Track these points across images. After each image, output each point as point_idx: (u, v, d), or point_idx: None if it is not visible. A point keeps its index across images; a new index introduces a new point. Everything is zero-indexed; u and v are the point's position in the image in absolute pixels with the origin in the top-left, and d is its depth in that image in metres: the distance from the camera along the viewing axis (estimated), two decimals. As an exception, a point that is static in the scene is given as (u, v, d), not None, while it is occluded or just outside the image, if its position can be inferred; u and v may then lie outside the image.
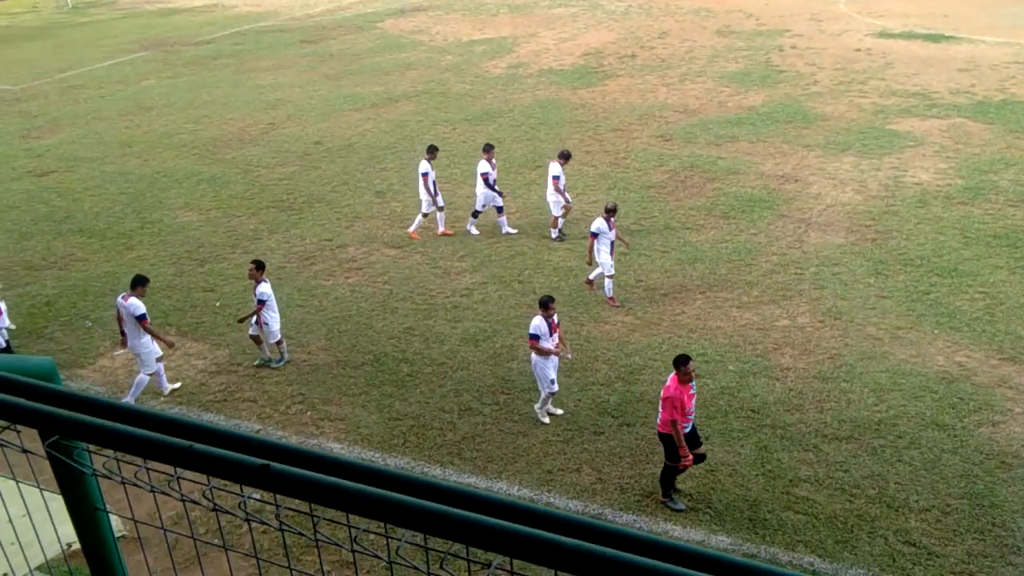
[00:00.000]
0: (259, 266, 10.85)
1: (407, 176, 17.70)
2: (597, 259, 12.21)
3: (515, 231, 14.70)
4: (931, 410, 9.44)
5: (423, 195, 14.54)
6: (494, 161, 14.71)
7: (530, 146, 19.20)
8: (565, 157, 14.36)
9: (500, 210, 14.66)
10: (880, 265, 12.80)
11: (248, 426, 9.75)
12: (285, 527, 1.55)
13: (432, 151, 14.79)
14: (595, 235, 12.03)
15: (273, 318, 10.86)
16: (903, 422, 9.25)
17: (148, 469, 1.61)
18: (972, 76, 22.08)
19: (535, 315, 9.57)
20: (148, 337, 10.17)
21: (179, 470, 1.46)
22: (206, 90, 25.82)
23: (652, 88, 23.24)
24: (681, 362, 8.03)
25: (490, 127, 20.70)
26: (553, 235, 14.43)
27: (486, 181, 14.39)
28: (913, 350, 10.58)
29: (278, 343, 11.02)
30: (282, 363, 11.07)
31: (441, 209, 14.74)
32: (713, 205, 15.39)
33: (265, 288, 10.75)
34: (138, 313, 9.98)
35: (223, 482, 1.44)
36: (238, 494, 1.52)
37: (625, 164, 17.80)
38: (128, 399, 10.01)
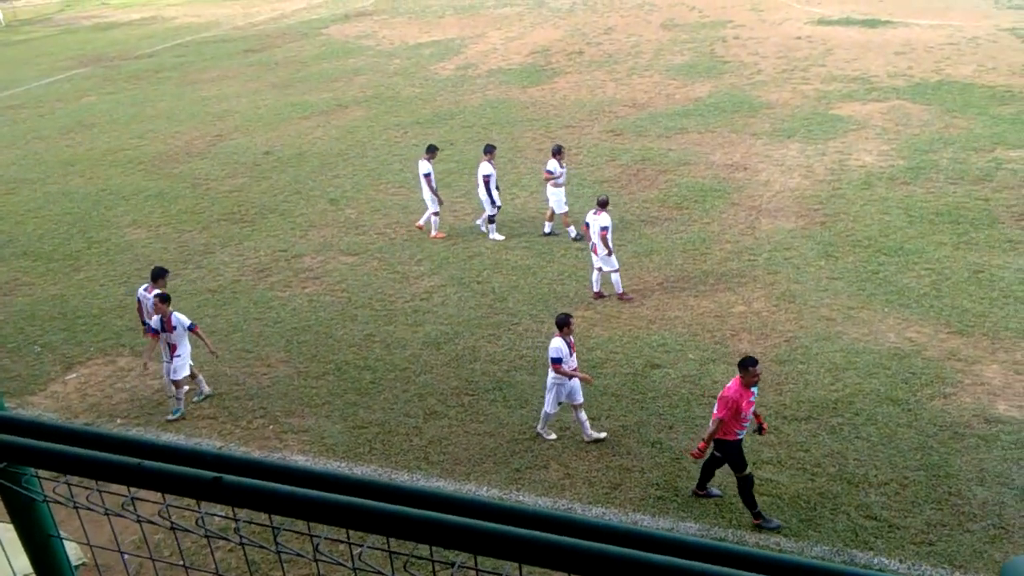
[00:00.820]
0: (164, 298, 9.87)
1: (360, 182, 17.58)
2: (603, 254, 11.95)
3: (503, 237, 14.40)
4: (885, 386, 9.68)
5: (427, 195, 14.36)
6: (494, 163, 14.36)
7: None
8: (557, 152, 14.03)
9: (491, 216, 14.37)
10: (830, 247, 13.09)
11: (209, 444, 9.58)
12: (246, 541, 1.53)
13: (432, 151, 14.65)
14: (606, 229, 11.82)
15: (185, 352, 9.99)
16: (859, 399, 9.48)
17: (102, 492, 1.58)
18: (909, 59, 22.72)
19: (553, 337, 9.00)
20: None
21: (134, 490, 1.44)
22: (149, 104, 25.30)
23: (600, 84, 23.45)
24: (749, 363, 7.55)
25: (442, 129, 20.67)
26: (572, 234, 14.08)
27: (487, 184, 14.04)
28: (865, 329, 10.84)
29: (178, 384, 10.03)
30: (178, 414, 10.09)
31: (436, 213, 14.52)
32: (666, 196, 15.58)
33: (182, 316, 9.97)
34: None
35: (184, 501, 1.42)
36: (199, 512, 1.50)
37: (578, 160, 17.91)
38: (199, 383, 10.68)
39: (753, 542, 7.70)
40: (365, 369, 10.92)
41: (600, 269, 12.20)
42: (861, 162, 16.28)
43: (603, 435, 9.26)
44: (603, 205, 12.05)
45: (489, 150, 14.38)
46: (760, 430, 8.18)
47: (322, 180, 17.93)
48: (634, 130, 19.35)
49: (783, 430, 9.14)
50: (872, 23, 27.09)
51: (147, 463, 1.29)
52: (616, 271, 12.12)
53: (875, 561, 7.35)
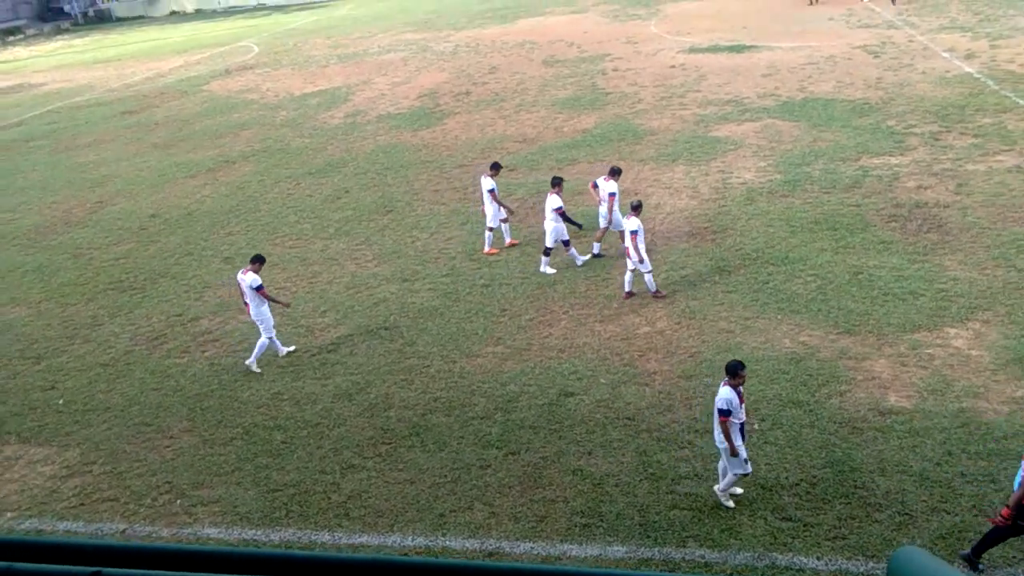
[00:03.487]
0: None
1: (255, 238, 17.16)
2: (641, 255, 12.38)
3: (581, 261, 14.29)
4: (786, 390, 10.10)
5: (489, 210, 14.94)
6: (561, 194, 14.24)
7: (378, 192, 19.14)
8: (616, 173, 14.12)
9: (567, 244, 14.15)
10: (722, 263, 13.65)
11: (112, 527, 9.00)
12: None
13: (496, 168, 15.29)
14: (635, 233, 12.22)
15: None
16: (763, 405, 9.85)
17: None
18: (775, 80, 24.17)
19: (722, 386, 8.07)
20: (267, 306, 11.95)
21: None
22: (21, 175, 24.02)
23: (490, 122, 23.85)
24: None
25: (335, 177, 20.50)
26: (595, 250, 14.44)
27: (563, 215, 14.00)
28: (762, 337, 11.31)
29: None
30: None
31: (506, 220, 15.21)
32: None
33: None
34: (255, 285, 11.71)
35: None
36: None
37: (475, 198, 18.06)
38: (251, 360, 12.02)
39: (679, 558, 7.82)
40: (275, 429, 10.55)
41: (633, 271, 12.64)
42: (742, 179, 17.12)
43: (740, 490, 8.46)
44: (636, 209, 12.47)
45: (557, 182, 14.35)
46: None
47: (214, 239, 17.40)
48: (527, 164, 19.72)
49: (696, 443, 9.37)
50: (738, 49, 28.73)
51: (18, 566, 1.20)
52: (649, 272, 12.59)
53: (794, 561, 7.60)
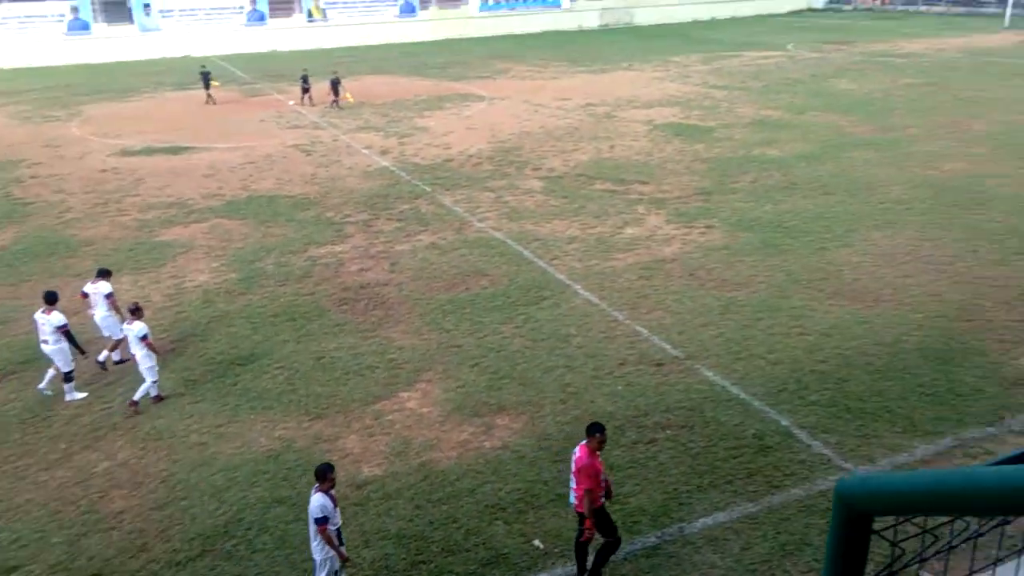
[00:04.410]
0: None
1: None
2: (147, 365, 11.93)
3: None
4: (268, 491, 9.93)
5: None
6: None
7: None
8: (105, 274, 13.59)
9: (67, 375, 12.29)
10: (186, 373, 12.94)
11: None
12: None
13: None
14: (146, 336, 11.85)
15: None
16: (247, 513, 9.50)
17: None
18: (217, 180, 24.32)
19: (313, 493, 7.74)
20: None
21: None
22: None
23: None
24: (597, 430, 7.83)
25: None
26: (115, 358, 13.33)
27: (68, 335, 12.21)
28: (238, 442, 10.99)
29: None
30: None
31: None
32: (4, 365, 13.23)
33: None
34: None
35: None
36: None
37: None
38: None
39: None
40: None
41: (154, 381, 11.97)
42: (196, 282, 16.63)
43: None
44: (136, 312, 12.00)
45: (51, 299, 12.38)
46: (609, 494, 8.21)
47: None
48: (-79, 297, 15.97)
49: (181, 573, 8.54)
50: (175, 150, 28.22)
51: None
52: (152, 382, 11.96)
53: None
